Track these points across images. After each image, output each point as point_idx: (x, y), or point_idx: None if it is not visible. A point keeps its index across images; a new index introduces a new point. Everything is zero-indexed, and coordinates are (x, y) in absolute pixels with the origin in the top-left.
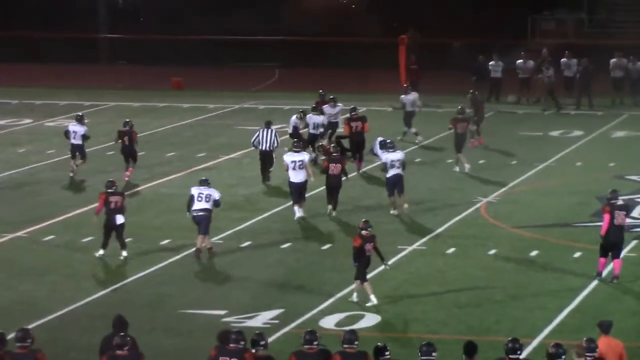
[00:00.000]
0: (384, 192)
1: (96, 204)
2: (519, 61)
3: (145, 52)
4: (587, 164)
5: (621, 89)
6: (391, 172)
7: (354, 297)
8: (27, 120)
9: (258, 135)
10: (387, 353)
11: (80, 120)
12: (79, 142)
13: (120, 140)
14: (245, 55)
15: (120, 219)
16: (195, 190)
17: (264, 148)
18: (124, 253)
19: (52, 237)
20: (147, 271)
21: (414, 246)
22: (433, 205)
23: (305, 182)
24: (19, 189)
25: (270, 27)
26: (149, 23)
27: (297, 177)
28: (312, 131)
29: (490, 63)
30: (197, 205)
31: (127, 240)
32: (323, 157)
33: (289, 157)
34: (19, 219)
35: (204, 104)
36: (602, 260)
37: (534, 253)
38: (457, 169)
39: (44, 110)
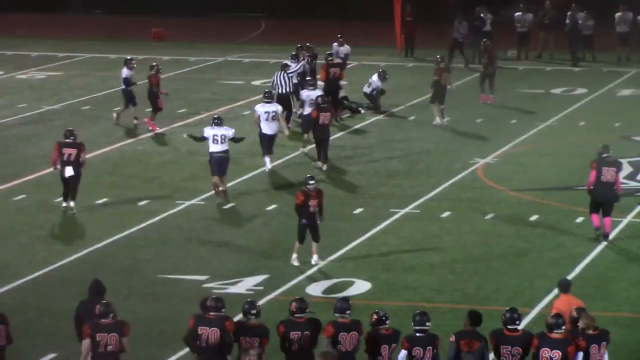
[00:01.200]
0: (374, 152)
1: None
2: (517, 13)
3: (124, 0)
4: (591, 124)
5: (626, 44)
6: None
7: (294, 260)
8: None
9: (274, 78)
10: (387, 322)
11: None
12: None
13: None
14: (231, 4)
15: (69, 171)
16: (209, 131)
17: (280, 91)
18: (71, 204)
19: (22, 196)
20: (123, 233)
21: (407, 209)
22: (427, 167)
23: (276, 134)
24: None
25: None
26: None
27: (269, 128)
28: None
29: (482, 15)
30: (214, 147)
31: (103, 200)
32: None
33: (262, 108)
34: None
35: (185, 57)
36: (594, 216)
37: (533, 218)
38: (437, 121)
39: (15, 62)
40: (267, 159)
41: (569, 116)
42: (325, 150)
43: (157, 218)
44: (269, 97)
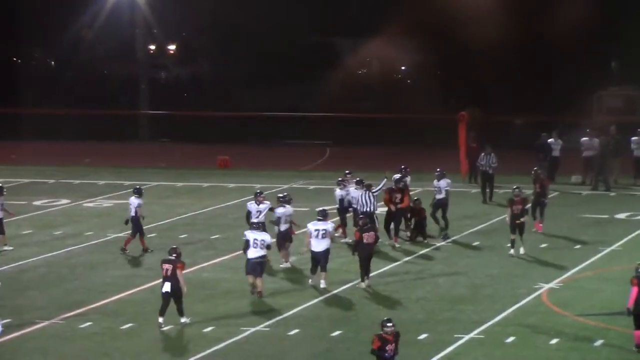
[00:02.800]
0: (439, 278)
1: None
2: (584, 139)
3: (189, 129)
4: None
5: None
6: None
7: None
8: (65, 201)
9: (359, 198)
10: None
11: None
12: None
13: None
14: (294, 133)
15: (166, 287)
16: (250, 235)
17: (364, 210)
18: (182, 320)
19: (89, 323)
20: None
21: (472, 335)
22: (491, 292)
23: (327, 250)
24: (55, 273)
25: (320, 104)
26: (193, 98)
27: (318, 246)
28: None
29: (550, 141)
30: (252, 252)
31: (169, 327)
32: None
33: (313, 226)
34: (54, 305)
35: (250, 184)
36: (637, 333)
37: (598, 343)
38: (511, 252)
39: (82, 190)
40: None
41: (633, 241)
42: (367, 268)
43: (222, 345)
44: (321, 215)
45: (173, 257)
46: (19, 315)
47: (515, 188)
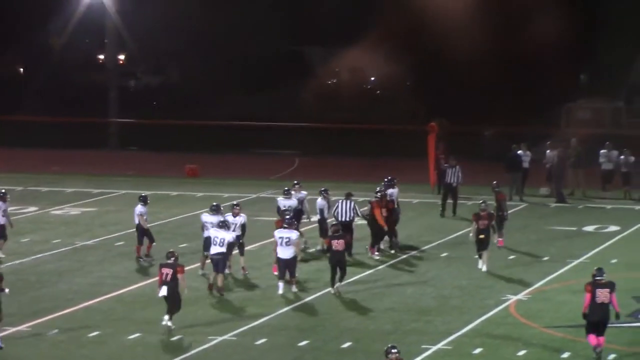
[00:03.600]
0: (407, 289)
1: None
2: (548, 151)
3: (158, 137)
4: (623, 262)
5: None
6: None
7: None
8: (32, 208)
9: (337, 206)
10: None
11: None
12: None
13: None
14: (264, 142)
15: (163, 291)
16: (212, 233)
17: (342, 219)
18: (166, 321)
19: (55, 331)
20: None
21: (439, 346)
22: (459, 303)
23: (295, 257)
24: (22, 280)
25: (289, 113)
26: (162, 107)
27: (284, 253)
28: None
29: (519, 152)
30: (214, 249)
31: (135, 335)
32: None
33: (278, 234)
34: (21, 312)
35: (218, 193)
36: (591, 336)
37: (565, 355)
38: (480, 265)
39: (50, 198)
40: (280, 284)
41: (601, 253)
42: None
43: (189, 354)
44: (288, 223)
45: (172, 261)
46: None
47: (482, 202)
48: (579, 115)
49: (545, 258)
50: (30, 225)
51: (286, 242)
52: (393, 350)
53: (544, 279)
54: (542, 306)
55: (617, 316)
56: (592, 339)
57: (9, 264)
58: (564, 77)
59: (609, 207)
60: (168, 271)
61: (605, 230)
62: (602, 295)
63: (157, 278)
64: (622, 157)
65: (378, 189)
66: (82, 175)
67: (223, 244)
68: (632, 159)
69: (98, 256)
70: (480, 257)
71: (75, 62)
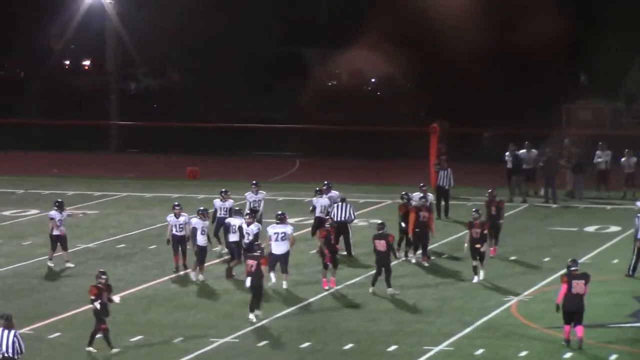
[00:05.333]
0: (408, 290)
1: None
2: (522, 151)
3: (159, 140)
4: (624, 262)
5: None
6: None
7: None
8: (33, 211)
9: (334, 208)
10: None
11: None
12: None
13: None
14: (264, 144)
15: (247, 282)
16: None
17: (338, 219)
18: (250, 315)
19: (57, 334)
20: None
21: (441, 347)
22: (460, 304)
23: (287, 253)
24: (24, 283)
25: (290, 115)
26: (163, 109)
27: (279, 248)
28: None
29: (507, 154)
30: (231, 237)
31: (137, 338)
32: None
33: (272, 229)
34: (23, 315)
35: (219, 195)
36: (566, 327)
37: (567, 355)
38: (475, 279)
39: (51, 200)
40: (272, 274)
41: (602, 254)
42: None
43: (192, 355)
44: (280, 218)
45: (257, 254)
46: None
47: (474, 211)
48: (579, 116)
49: (547, 259)
50: (32, 228)
51: (281, 237)
52: None
53: (545, 280)
54: (544, 307)
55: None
56: (567, 331)
57: (11, 266)
58: (563, 78)
59: (609, 207)
60: (253, 263)
61: (607, 230)
62: (578, 286)
63: (157, 280)
64: (623, 158)
65: (403, 193)
66: (82, 178)
67: (235, 231)
68: (634, 159)
69: (99, 259)
70: (475, 270)
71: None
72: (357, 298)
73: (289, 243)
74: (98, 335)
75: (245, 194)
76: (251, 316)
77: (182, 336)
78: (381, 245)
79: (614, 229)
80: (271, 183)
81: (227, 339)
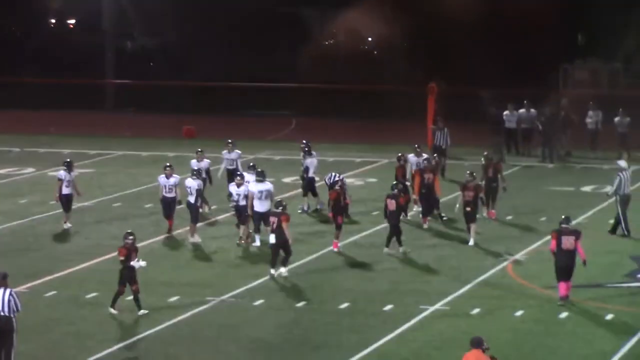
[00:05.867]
0: (405, 249)
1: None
2: (505, 112)
3: (155, 99)
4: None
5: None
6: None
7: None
8: (30, 169)
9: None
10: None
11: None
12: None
13: None
14: (261, 103)
15: (271, 239)
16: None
17: (330, 181)
18: (282, 269)
19: (54, 292)
20: (154, 329)
21: (437, 306)
22: (457, 264)
23: (269, 211)
24: (20, 241)
25: (288, 74)
26: (159, 68)
27: (261, 206)
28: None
29: (505, 113)
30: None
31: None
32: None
33: (255, 187)
34: (19, 273)
35: (216, 154)
36: (561, 285)
37: (563, 315)
38: (471, 242)
39: (47, 159)
40: (257, 236)
41: (598, 214)
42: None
43: (188, 314)
44: (260, 176)
45: (279, 210)
46: None
47: (468, 174)
48: (577, 76)
49: (543, 219)
50: (28, 187)
51: (265, 196)
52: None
53: (541, 240)
54: (540, 267)
55: (584, 263)
56: (562, 288)
57: (7, 225)
58: (561, 38)
59: (606, 167)
60: (274, 220)
61: (603, 190)
62: (568, 242)
63: (153, 239)
64: (617, 117)
65: (400, 155)
66: (79, 136)
67: (192, 193)
68: (628, 119)
69: (95, 218)
70: (468, 230)
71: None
72: (355, 258)
73: (270, 201)
74: (128, 298)
75: (222, 152)
76: (272, 271)
77: (178, 295)
78: (392, 205)
79: (610, 188)
80: (268, 142)
81: (224, 297)
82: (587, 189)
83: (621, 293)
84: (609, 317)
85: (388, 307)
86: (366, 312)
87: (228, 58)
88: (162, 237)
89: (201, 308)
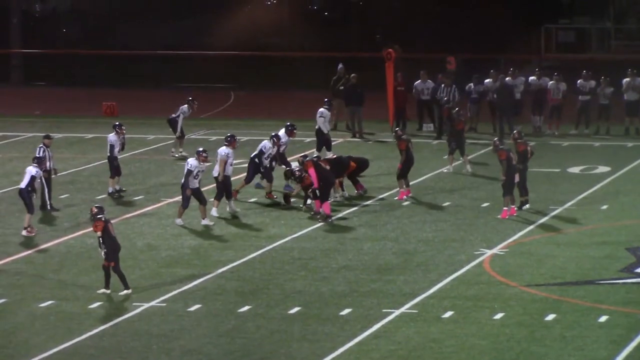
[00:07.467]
0: (363, 243)
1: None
2: (488, 80)
3: (69, 71)
4: (615, 208)
5: (636, 115)
6: None
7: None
8: None
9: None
10: None
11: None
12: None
13: None
14: (194, 74)
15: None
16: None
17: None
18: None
19: None
20: (71, 341)
21: (403, 309)
22: (425, 259)
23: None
24: None
25: (222, 41)
26: (73, 35)
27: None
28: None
29: (417, 83)
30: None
31: (48, 303)
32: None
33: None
34: None
35: (142, 135)
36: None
37: (550, 317)
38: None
39: None
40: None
41: (589, 199)
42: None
43: (111, 323)
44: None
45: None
46: None
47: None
48: (561, 38)
49: (525, 206)
50: None
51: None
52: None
53: (523, 230)
54: (522, 261)
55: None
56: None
57: None
58: None
59: (597, 144)
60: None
61: (594, 171)
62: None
63: (70, 235)
64: (598, 87)
65: (397, 129)
66: None
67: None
68: (611, 89)
69: (1, 211)
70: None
71: None
72: (304, 254)
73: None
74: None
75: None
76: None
77: (99, 300)
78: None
79: (602, 169)
80: (203, 120)
81: (153, 303)
82: (575, 170)
83: (616, 291)
84: (603, 318)
85: (346, 312)
86: (321, 317)
87: (154, 23)
88: (80, 233)
89: (127, 315)
